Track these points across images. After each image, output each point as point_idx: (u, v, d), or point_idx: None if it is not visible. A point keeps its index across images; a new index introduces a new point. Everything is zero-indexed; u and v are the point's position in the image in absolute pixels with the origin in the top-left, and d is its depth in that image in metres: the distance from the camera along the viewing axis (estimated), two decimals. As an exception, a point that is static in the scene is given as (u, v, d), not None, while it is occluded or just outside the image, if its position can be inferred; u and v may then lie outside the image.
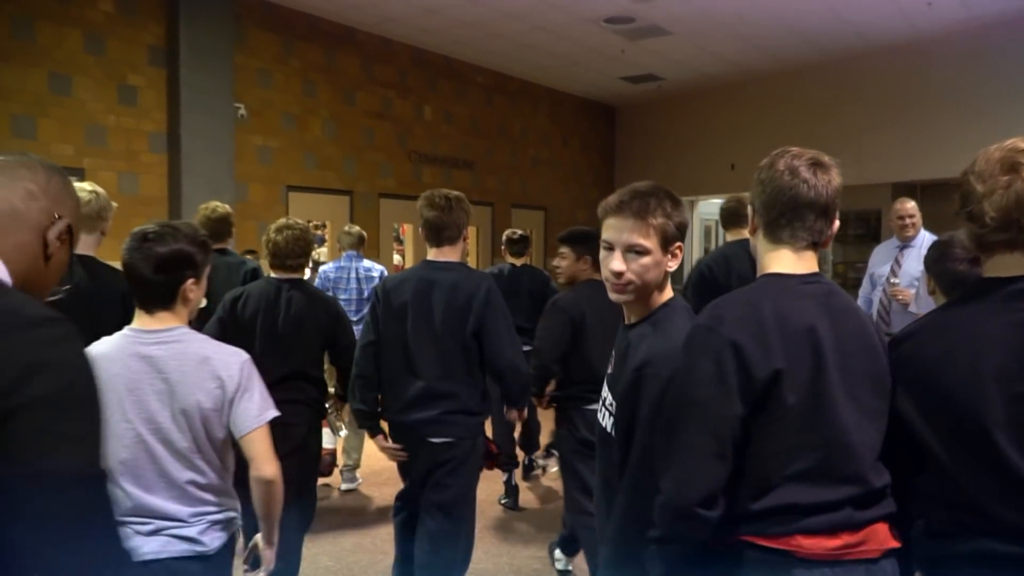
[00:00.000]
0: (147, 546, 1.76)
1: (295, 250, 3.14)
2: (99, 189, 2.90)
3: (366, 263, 5.24)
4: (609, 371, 1.71)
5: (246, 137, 6.94)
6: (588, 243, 3.42)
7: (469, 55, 8.94)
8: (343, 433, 4.75)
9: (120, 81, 6.13)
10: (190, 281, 1.87)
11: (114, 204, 3.00)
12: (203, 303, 2.87)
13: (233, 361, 1.90)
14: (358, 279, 5.16)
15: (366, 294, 5.13)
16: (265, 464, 1.89)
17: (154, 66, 6.30)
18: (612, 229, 1.62)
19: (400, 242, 9.99)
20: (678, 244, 1.63)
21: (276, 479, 1.91)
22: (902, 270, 4.72)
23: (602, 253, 1.65)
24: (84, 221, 2.74)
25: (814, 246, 1.49)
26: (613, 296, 1.65)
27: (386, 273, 5.28)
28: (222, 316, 3.11)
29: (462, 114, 9.28)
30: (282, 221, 3.21)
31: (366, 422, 2.95)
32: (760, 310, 1.40)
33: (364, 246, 5.34)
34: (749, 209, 1.59)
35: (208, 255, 1.95)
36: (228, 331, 3.00)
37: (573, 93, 10.84)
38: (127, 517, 1.76)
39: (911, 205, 4.82)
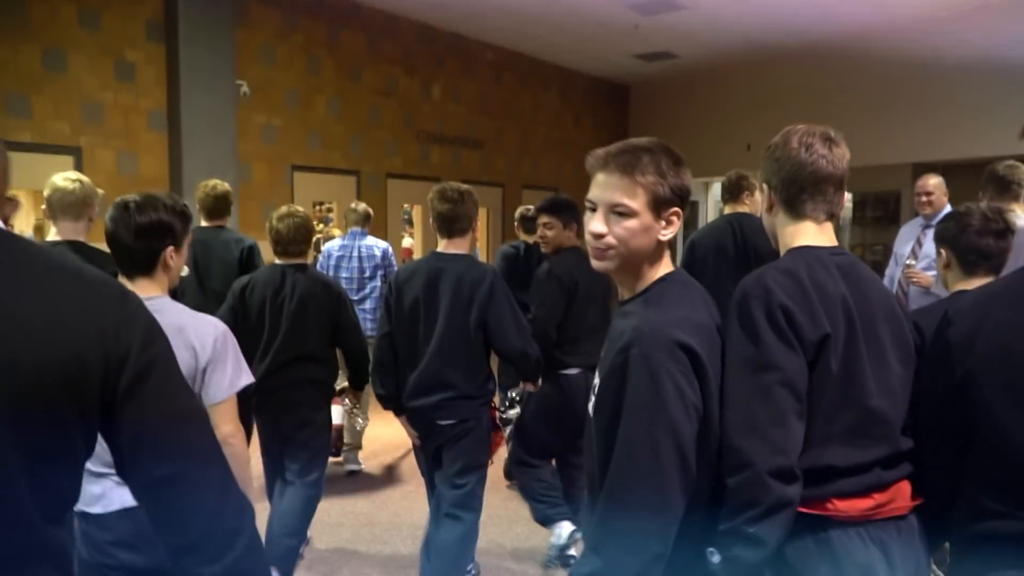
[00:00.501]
0: (128, 495, 1.77)
1: (297, 237, 3.30)
2: (83, 178, 3.01)
3: (368, 240, 5.11)
4: (602, 354, 1.54)
5: (249, 115, 6.80)
6: (573, 210, 3.60)
7: (477, 32, 8.73)
8: (364, 424, 4.67)
9: (117, 57, 5.98)
10: (170, 249, 1.95)
11: (100, 191, 3.10)
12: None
13: (207, 332, 1.93)
14: (360, 257, 5.04)
15: (367, 272, 5.02)
16: (224, 424, 1.91)
17: (152, 41, 6.15)
18: (597, 186, 1.46)
19: (411, 224, 9.84)
20: (674, 210, 1.44)
21: (234, 440, 1.93)
22: (922, 251, 4.48)
23: (586, 214, 1.48)
24: (69, 209, 2.93)
25: (831, 218, 1.56)
26: (594, 263, 1.48)
27: (390, 251, 5.18)
28: (232, 305, 3.27)
29: (470, 92, 9.08)
30: (284, 209, 3.36)
31: (388, 404, 3.11)
32: (800, 279, 1.43)
33: (370, 223, 5.20)
34: (765, 187, 1.60)
35: (188, 225, 2.02)
36: (239, 318, 3.21)
37: (585, 72, 10.61)
38: (107, 469, 1.79)
39: (932, 182, 4.52)
